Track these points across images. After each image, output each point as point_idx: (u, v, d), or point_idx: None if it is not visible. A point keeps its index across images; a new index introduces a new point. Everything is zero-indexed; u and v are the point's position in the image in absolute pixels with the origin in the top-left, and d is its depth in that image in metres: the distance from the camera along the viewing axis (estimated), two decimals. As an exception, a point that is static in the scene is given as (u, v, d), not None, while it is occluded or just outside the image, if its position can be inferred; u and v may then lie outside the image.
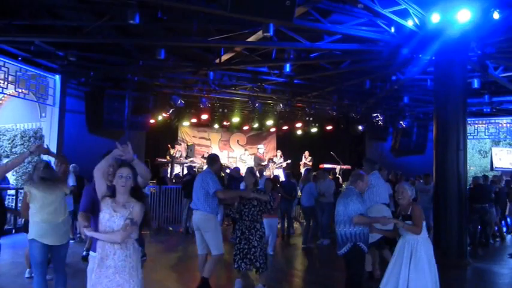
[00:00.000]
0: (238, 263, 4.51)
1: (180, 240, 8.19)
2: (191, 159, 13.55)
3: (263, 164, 13.22)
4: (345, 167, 13.28)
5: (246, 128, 15.78)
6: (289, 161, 13.71)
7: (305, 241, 7.74)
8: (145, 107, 10.77)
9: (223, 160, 15.17)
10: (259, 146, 14.57)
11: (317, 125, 14.53)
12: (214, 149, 15.83)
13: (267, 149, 16.53)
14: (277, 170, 13.42)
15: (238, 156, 15.37)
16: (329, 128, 14.73)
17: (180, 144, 14.05)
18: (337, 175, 12.50)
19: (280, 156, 14.02)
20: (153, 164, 12.18)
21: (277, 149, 16.22)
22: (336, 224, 3.92)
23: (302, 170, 12.14)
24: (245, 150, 15.40)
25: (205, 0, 5.51)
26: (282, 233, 8.63)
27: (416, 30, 6.33)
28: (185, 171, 11.30)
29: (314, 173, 8.79)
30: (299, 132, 15.45)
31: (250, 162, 13.77)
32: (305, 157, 14.13)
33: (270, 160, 14.20)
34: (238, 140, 16.74)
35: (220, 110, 13.02)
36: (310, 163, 13.82)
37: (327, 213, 8.40)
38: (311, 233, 7.92)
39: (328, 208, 8.36)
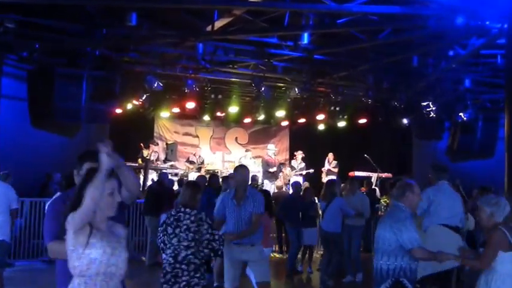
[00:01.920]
0: None
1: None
2: (171, 163, 13.75)
3: (271, 170, 13.42)
4: (384, 175, 13.32)
5: (247, 121, 15.80)
6: (312, 170, 13.81)
7: (323, 280, 7.82)
8: (110, 92, 10.79)
9: (217, 165, 15.32)
10: (269, 147, 14.48)
11: (345, 117, 14.54)
12: (204, 150, 15.86)
13: (277, 149, 16.40)
14: (295, 178, 13.47)
15: (236, 160, 15.24)
16: (362, 121, 14.78)
17: (157, 144, 14.17)
18: (373, 186, 12.61)
19: (302, 160, 14.09)
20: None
21: (291, 150, 16.32)
22: (375, 253, 3.98)
23: (325, 180, 12.26)
24: (246, 151, 15.42)
25: None
26: (287, 270, 8.63)
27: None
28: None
29: (342, 184, 8.87)
30: (321, 127, 15.48)
31: (254, 168, 13.77)
32: (328, 161, 14.29)
33: (281, 165, 14.29)
34: (237, 138, 16.78)
35: (213, 96, 13.08)
36: (336, 169, 14.00)
37: (357, 240, 8.46)
38: (333, 268, 7.91)
39: (357, 233, 8.43)
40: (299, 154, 14.28)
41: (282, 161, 15.51)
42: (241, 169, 5.49)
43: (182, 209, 4.68)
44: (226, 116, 14.96)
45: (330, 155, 14.42)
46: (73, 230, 2.34)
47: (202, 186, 8.73)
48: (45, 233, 2.82)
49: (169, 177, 11.14)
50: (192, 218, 4.60)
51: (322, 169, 14.24)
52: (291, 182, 12.37)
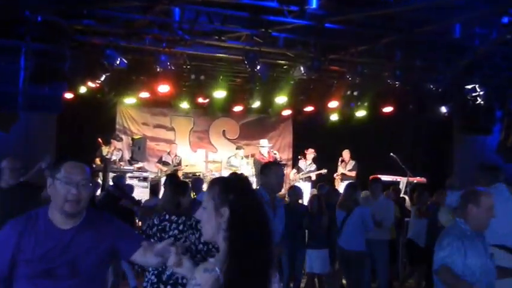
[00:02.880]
0: None
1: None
2: (139, 164, 13.91)
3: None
4: (416, 179, 13.29)
5: (238, 109, 15.85)
6: (325, 171, 14.13)
7: None
8: (57, 71, 10.66)
9: (199, 167, 15.74)
10: (261, 142, 14.70)
11: (366, 104, 14.55)
12: (182, 147, 15.97)
13: (277, 146, 16.73)
14: (303, 183, 13.68)
15: (224, 160, 15.50)
16: (387, 110, 14.80)
17: (120, 139, 14.29)
18: (402, 194, 12.63)
19: (313, 160, 14.38)
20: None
21: (294, 147, 16.68)
22: (435, 285, 4.12)
23: (340, 186, 12.57)
24: (237, 148, 15.55)
25: None
26: None
27: None
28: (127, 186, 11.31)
29: (363, 193, 8.97)
30: (333, 117, 15.54)
31: (248, 171, 13.89)
32: (344, 162, 14.53)
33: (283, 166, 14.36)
34: (224, 131, 16.99)
35: (193, 76, 13.05)
36: (353, 173, 14.25)
37: (382, 260, 8.62)
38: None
39: (382, 251, 8.61)
40: (310, 153, 14.52)
41: (283, 161, 15.61)
42: (275, 167, 5.74)
43: (167, 217, 4.76)
44: (211, 102, 14.90)
45: (346, 154, 14.50)
46: None
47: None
48: None
49: (137, 182, 11.04)
50: (181, 227, 4.68)
51: (335, 175, 14.45)
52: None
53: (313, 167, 14.38)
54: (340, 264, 8.74)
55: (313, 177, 14.23)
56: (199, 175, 13.56)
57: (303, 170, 14.25)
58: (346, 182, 11.42)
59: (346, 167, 14.34)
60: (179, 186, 5.08)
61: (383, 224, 8.57)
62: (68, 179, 2.98)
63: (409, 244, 9.61)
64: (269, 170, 5.61)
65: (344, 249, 8.09)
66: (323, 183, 11.75)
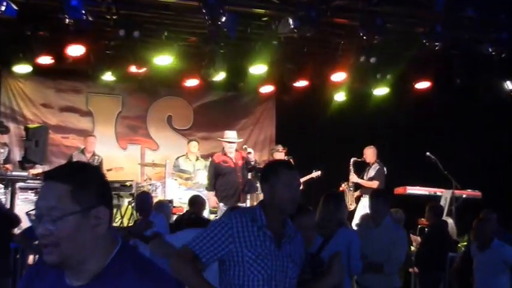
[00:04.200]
0: None
1: None
2: (38, 169, 13.78)
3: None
4: (465, 193, 13.75)
5: (192, 83, 16.02)
6: (318, 173, 14.80)
7: None
8: None
9: (130, 172, 16.21)
10: (227, 134, 14.83)
11: (389, 77, 14.82)
12: (104, 141, 16.21)
13: (252, 140, 17.20)
14: None
15: (170, 161, 15.68)
16: (421, 86, 15.29)
17: (6, 129, 14.49)
18: (445, 215, 12.85)
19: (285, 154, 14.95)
20: None
21: (278, 139, 16.94)
22: None
23: (351, 206, 13.42)
24: (190, 142, 15.90)
25: None
26: None
27: None
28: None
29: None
30: (339, 96, 15.98)
31: (203, 179, 14.49)
32: (367, 164, 14.74)
33: (256, 171, 14.62)
34: (170, 118, 17.45)
35: (123, 32, 12.93)
36: (375, 183, 14.23)
37: None
38: None
39: None
40: (279, 152, 14.95)
41: (259, 164, 15.21)
42: (285, 172, 5.21)
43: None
44: (150, 73, 14.91)
45: (370, 153, 14.55)
46: None
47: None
48: None
49: (34, 197, 12.08)
50: None
51: (344, 185, 14.59)
52: None
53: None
54: None
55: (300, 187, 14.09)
56: (130, 185, 13.98)
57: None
58: (365, 198, 11.95)
59: (368, 172, 14.44)
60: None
61: (384, 268, 8.17)
62: None
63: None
64: (275, 175, 5.04)
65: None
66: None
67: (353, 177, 14.71)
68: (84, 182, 2.67)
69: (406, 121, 15.45)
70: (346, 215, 8.82)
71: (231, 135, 14.53)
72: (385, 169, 14.45)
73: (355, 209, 14.26)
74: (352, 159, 14.72)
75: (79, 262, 2.81)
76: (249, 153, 14.51)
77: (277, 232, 4.95)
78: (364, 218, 9.39)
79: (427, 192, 13.43)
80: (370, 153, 14.61)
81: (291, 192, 4.95)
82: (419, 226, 12.66)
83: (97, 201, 2.66)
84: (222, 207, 13.49)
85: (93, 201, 2.65)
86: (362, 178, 14.67)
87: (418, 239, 12.02)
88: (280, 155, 14.95)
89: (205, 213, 13.52)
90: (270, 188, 5.02)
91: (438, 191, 13.47)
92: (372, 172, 14.42)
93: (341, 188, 14.68)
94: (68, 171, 2.79)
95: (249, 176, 14.48)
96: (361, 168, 14.94)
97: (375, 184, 14.16)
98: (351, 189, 14.74)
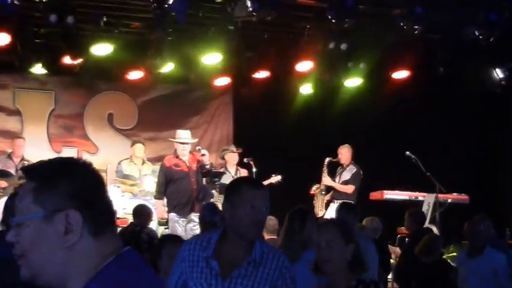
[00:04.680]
0: None
1: None
2: None
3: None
4: (450, 197, 14.14)
5: (136, 75, 15.99)
6: (278, 178, 14.95)
7: None
8: None
9: None
10: (179, 133, 14.75)
11: (362, 66, 15.03)
12: (35, 144, 16.26)
13: (206, 141, 17.66)
14: None
15: (112, 166, 15.65)
16: (400, 75, 15.63)
17: None
18: (427, 222, 12.86)
19: (241, 164, 15.36)
20: None
21: (236, 139, 17.41)
22: None
23: (320, 212, 13.71)
24: (134, 144, 15.95)
25: None
26: None
27: None
28: None
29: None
30: (305, 88, 16.33)
31: (151, 185, 14.68)
32: (341, 166, 15.00)
33: (216, 175, 15.15)
34: (111, 116, 17.63)
35: (55, 17, 12.81)
36: (351, 187, 14.51)
37: None
38: None
39: None
40: (232, 154, 15.33)
41: (215, 167, 15.71)
42: (249, 189, 5.15)
43: None
44: (87, 64, 14.71)
45: (345, 152, 14.69)
46: None
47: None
48: None
49: None
50: None
51: (315, 188, 14.70)
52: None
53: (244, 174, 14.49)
54: None
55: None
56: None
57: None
58: (337, 203, 11.94)
59: (341, 175, 14.26)
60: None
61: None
62: None
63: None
64: (237, 193, 5.02)
65: None
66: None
67: (326, 180, 14.73)
68: (52, 179, 2.44)
69: (382, 116, 15.55)
70: (315, 232, 8.63)
71: (184, 135, 14.49)
72: (361, 172, 14.40)
73: (323, 216, 14.04)
74: (326, 160, 14.66)
75: (60, 283, 2.59)
76: (203, 155, 14.33)
77: (232, 261, 4.94)
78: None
79: (407, 197, 13.77)
80: (345, 153, 14.63)
81: (254, 213, 4.90)
82: (398, 236, 12.74)
83: (65, 204, 2.39)
84: (174, 218, 13.59)
85: (59, 203, 2.40)
86: (334, 181, 14.64)
87: (398, 250, 12.06)
88: (233, 156, 15.17)
89: (153, 225, 13.43)
90: (231, 206, 5.02)
91: (420, 195, 13.80)
92: (346, 175, 14.35)
93: (312, 192, 14.77)
94: (40, 165, 2.60)
95: (204, 181, 14.35)
96: (334, 169, 14.95)
97: (350, 189, 14.21)
98: (323, 193, 14.73)
